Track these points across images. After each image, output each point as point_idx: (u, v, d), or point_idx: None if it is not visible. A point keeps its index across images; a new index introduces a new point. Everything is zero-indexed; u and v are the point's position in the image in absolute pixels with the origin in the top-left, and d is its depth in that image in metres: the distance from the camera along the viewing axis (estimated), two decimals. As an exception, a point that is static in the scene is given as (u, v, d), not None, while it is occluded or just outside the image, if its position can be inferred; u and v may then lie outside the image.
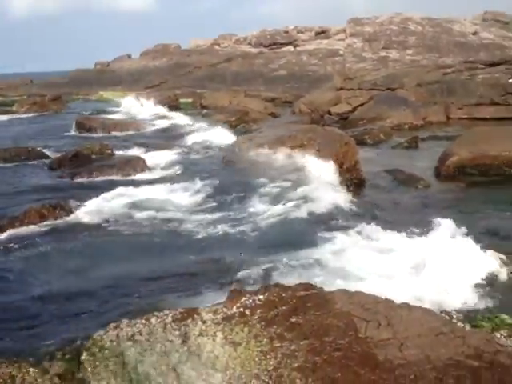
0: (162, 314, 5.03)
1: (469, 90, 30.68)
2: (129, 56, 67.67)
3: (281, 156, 11.83)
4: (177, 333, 4.80)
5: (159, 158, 15.94)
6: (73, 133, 24.02)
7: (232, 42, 66.08)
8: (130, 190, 11.90)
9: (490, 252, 8.04)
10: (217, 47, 64.82)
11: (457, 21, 61.17)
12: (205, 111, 32.78)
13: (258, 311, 4.87)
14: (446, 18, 61.44)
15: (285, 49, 60.27)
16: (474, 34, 56.92)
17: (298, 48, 59.71)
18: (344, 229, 9.22)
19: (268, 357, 4.44)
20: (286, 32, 64.04)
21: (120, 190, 11.88)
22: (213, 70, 54.65)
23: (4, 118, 34.43)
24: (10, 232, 9.56)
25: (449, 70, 37.30)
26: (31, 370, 4.80)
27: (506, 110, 27.43)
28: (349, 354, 4.41)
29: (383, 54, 52.79)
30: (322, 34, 62.06)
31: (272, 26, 66.74)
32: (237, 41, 66.28)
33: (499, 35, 56.04)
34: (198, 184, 12.03)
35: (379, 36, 56.92)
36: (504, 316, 5.93)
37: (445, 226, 8.35)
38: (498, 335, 5.64)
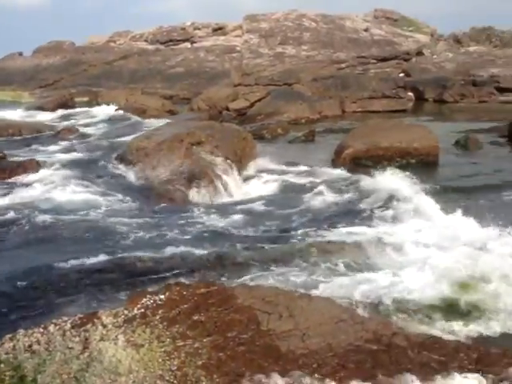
0: (60, 321, 4.87)
1: (362, 84, 31.77)
2: (20, 54, 64.74)
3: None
4: (77, 339, 4.66)
5: (55, 159, 15.45)
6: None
7: (128, 39, 64.74)
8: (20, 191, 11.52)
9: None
10: (112, 44, 63.32)
11: (349, 18, 62.99)
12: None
13: (160, 311, 4.82)
14: (339, 14, 63.13)
15: (182, 45, 59.79)
16: (366, 30, 58.79)
17: (195, 45, 59.42)
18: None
19: (172, 357, 4.40)
20: (183, 29, 63.54)
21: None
22: (109, 67, 53.37)
23: None
24: None
25: (343, 65, 38.56)
26: None
27: (397, 102, 28.64)
28: (252, 347, 4.45)
29: (279, 49, 53.49)
30: (218, 30, 62.06)
31: (169, 22, 66.02)
32: (133, 38, 65.00)
33: (389, 32, 58.17)
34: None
35: (275, 32, 57.62)
36: (399, 300, 6.17)
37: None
38: (395, 319, 5.86)
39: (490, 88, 33.30)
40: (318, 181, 12.73)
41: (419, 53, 49.27)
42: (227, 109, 27.60)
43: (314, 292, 6.25)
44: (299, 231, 9.13)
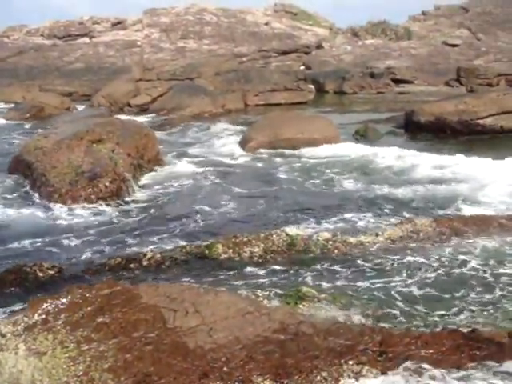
0: (-48, 332, 4.63)
1: (264, 78, 32.17)
2: None
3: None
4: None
5: None
6: None
7: (23, 34, 62.26)
8: None
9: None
10: (6, 39, 60.68)
11: (250, 12, 63.47)
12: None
13: (62, 315, 4.68)
14: (240, 9, 63.47)
15: (80, 40, 58.17)
16: (267, 24, 59.46)
17: (94, 40, 57.96)
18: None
19: (76, 362, 4.29)
20: (81, 23, 61.80)
21: None
22: (3, 64, 51.07)
23: None
24: None
25: (244, 59, 38.83)
26: None
27: (298, 95, 29.16)
28: (159, 346, 4.40)
29: (181, 44, 53.16)
30: (118, 24, 60.83)
31: (66, 17, 64.09)
32: (28, 32, 62.56)
33: (289, 25, 59.11)
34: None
35: (176, 26, 57.19)
36: (305, 289, 6.28)
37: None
38: (301, 307, 5.96)
39: (387, 79, 34.65)
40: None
41: (319, 46, 50.42)
42: (129, 105, 27.14)
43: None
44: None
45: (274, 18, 62.60)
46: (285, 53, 47.59)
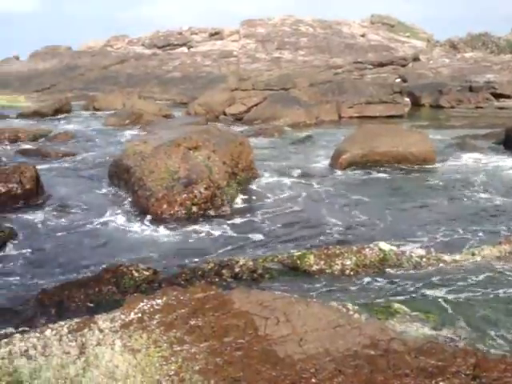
0: (56, 325, 4.85)
1: (359, 90, 31.83)
2: (16, 58, 64.82)
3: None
4: (73, 344, 4.63)
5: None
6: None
7: (125, 44, 64.89)
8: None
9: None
10: (109, 48, 63.42)
11: (346, 23, 63.23)
12: (98, 113, 32.00)
13: (157, 316, 4.80)
14: (336, 20, 63.39)
15: (179, 50, 59.93)
16: (363, 35, 59.06)
17: (192, 49, 59.56)
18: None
19: (169, 362, 4.38)
20: (180, 33, 63.70)
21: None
22: (105, 71, 53.43)
23: None
24: None
25: (339, 71, 38.66)
26: None
27: (394, 107, 28.70)
28: (249, 352, 4.43)
29: (276, 54, 53.64)
30: (215, 35, 62.22)
31: (165, 27, 66.13)
32: (130, 42, 65.15)
33: (386, 37, 58.44)
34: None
35: (272, 37, 57.79)
36: (396, 305, 6.15)
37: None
38: (392, 323, 5.84)
39: (486, 94, 33.45)
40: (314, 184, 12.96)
41: (416, 58, 49.45)
42: (224, 113, 27.64)
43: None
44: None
45: (371, 29, 62.03)
46: (381, 65, 46.99)
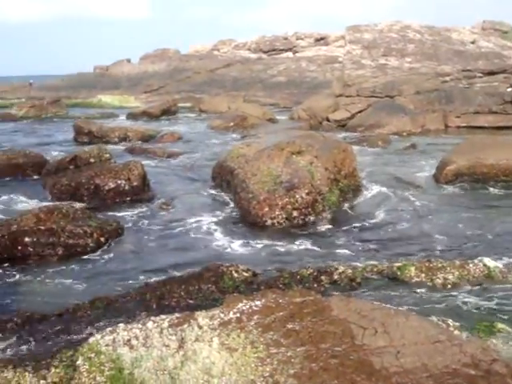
0: (158, 318, 5.01)
1: (467, 99, 30.74)
2: (128, 60, 67.64)
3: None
4: (173, 338, 4.77)
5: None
6: (71, 136, 23.95)
7: (231, 48, 66.15)
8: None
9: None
10: (216, 52, 64.88)
11: (456, 30, 61.34)
12: (203, 116, 32.82)
13: (255, 317, 4.85)
14: (445, 26, 61.65)
15: (284, 55, 60.38)
16: (473, 42, 57.10)
17: (297, 54, 59.83)
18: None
19: (264, 363, 4.42)
20: (286, 38, 64.15)
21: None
22: (212, 75, 54.69)
23: (1, 121, 34.41)
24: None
25: (447, 78, 37.40)
26: (27, 374, 4.76)
27: (504, 118, 27.44)
28: (345, 361, 4.39)
29: (382, 61, 52.84)
30: (321, 40, 62.18)
31: (270, 32, 66.87)
32: (236, 46, 66.36)
33: (498, 44, 56.21)
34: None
35: (378, 43, 56.99)
36: (500, 325, 5.91)
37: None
38: (494, 342, 5.62)
39: None
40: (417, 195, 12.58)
41: (530, 67, 47.04)
42: (327, 119, 27.52)
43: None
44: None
45: (482, 36, 59.79)
46: (491, 73, 45.04)
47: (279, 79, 51.15)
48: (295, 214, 10.51)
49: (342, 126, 26.80)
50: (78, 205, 11.16)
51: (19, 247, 9.34)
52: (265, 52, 62.09)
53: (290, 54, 60.61)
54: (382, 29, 60.80)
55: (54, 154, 18.75)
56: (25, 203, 12.45)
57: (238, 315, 4.89)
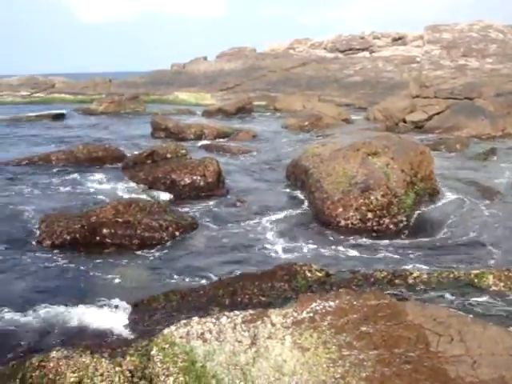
0: (232, 314, 5.08)
1: (552, 102, 29.48)
2: (205, 58, 68.53)
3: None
4: (246, 334, 4.83)
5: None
6: (149, 132, 24.52)
7: (307, 47, 65.96)
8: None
9: None
10: (292, 51, 64.84)
11: (542, 30, 58.97)
12: (278, 114, 32.90)
13: (329, 318, 4.85)
14: (531, 26, 59.34)
15: (360, 54, 59.67)
16: (560, 43, 54.68)
17: (373, 54, 59.01)
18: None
19: (336, 364, 4.41)
20: (362, 38, 63.42)
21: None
22: (287, 73, 54.67)
23: (83, 115, 35.68)
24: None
25: (531, 80, 35.97)
26: (103, 360, 4.91)
27: None
28: (419, 367, 4.32)
29: (462, 61, 51.36)
30: (398, 40, 61.10)
31: (346, 31, 66.28)
32: (312, 45, 66.10)
33: None
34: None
35: (458, 43, 55.43)
36: None
37: None
38: None
39: None
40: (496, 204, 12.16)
41: None
42: (404, 121, 27.03)
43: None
44: None
45: None
46: None
47: (355, 79, 50.59)
48: (369, 215, 10.38)
49: (418, 127, 26.24)
50: (164, 195, 11.67)
51: (97, 238, 9.70)
52: (341, 51, 61.56)
53: (366, 54, 59.86)
54: (463, 28, 59.09)
55: (132, 149, 19.24)
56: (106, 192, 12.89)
57: (312, 315, 4.90)
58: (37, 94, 60.97)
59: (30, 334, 6.35)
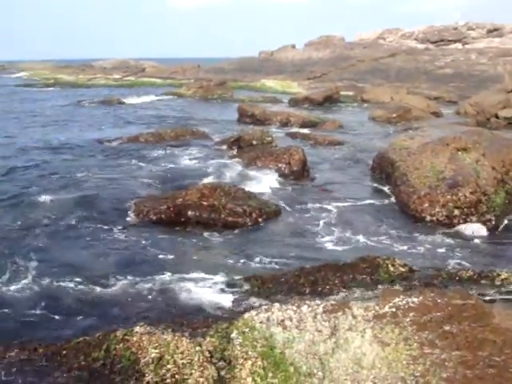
0: (313, 303, 5.09)
1: None
2: (293, 46, 68.37)
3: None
4: (326, 324, 4.84)
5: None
6: (235, 118, 24.80)
7: (397, 37, 64.55)
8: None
9: None
10: (381, 41, 63.67)
11: None
12: (365, 105, 32.46)
13: (411, 314, 4.78)
14: None
15: (452, 46, 57.81)
16: None
17: (466, 46, 57.04)
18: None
19: (416, 362, 4.35)
20: (455, 28, 61.36)
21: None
22: (376, 64, 53.73)
23: (171, 99, 36.58)
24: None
25: None
26: (184, 339, 5.03)
27: None
28: (504, 373, 4.19)
29: None
30: (494, 31, 58.75)
31: (439, 22, 64.28)
32: (402, 36, 64.62)
33: None
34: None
35: (561, 37, 52.80)
36: None
37: None
38: None
39: None
40: None
41: None
42: (496, 116, 26.01)
43: None
44: None
45: None
46: None
47: (446, 71, 49.08)
48: (456, 212, 10.07)
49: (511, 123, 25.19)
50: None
51: (182, 219, 9.95)
52: (432, 42, 59.86)
53: (458, 46, 57.94)
54: None
55: (218, 134, 19.53)
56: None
57: (394, 310, 4.84)
58: (128, 78, 62.88)
59: (115, 307, 6.62)
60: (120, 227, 9.54)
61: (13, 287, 7.10)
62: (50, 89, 48.84)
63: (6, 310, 6.46)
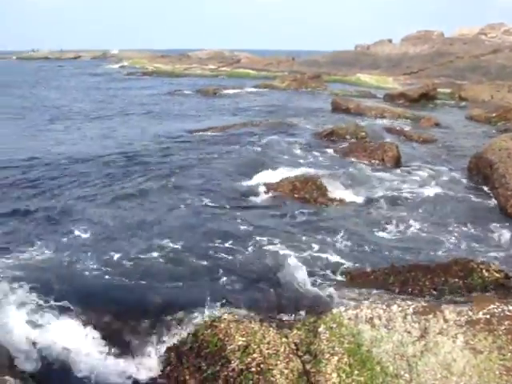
0: (403, 303, 5.03)
1: None
2: (389, 41, 67.08)
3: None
4: (416, 326, 4.77)
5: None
6: (328, 111, 24.70)
7: (500, 33, 61.89)
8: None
9: None
10: (483, 37, 61.28)
11: None
12: (463, 104, 31.41)
13: (506, 322, 4.62)
14: None
15: None
16: None
17: None
18: None
19: (510, 373, 4.21)
20: None
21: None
22: (476, 61, 51.81)
23: (266, 91, 36.90)
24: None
25: None
26: (271, 330, 5.09)
27: None
28: None
29: None
30: None
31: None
32: (506, 31, 61.89)
33: None
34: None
35: None
36: None
37: None
38: None
39: None
40: None
41: None
42: None
43: None
44: None
45: None
46: None
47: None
48: None
49: None
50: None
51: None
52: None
53: None
54: None
55: (312, 126, 19.54)
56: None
57: (488, 317, 4.70)
58: (223, 68, 63.86)
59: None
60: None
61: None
62: (147, 77, 50.58)
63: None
